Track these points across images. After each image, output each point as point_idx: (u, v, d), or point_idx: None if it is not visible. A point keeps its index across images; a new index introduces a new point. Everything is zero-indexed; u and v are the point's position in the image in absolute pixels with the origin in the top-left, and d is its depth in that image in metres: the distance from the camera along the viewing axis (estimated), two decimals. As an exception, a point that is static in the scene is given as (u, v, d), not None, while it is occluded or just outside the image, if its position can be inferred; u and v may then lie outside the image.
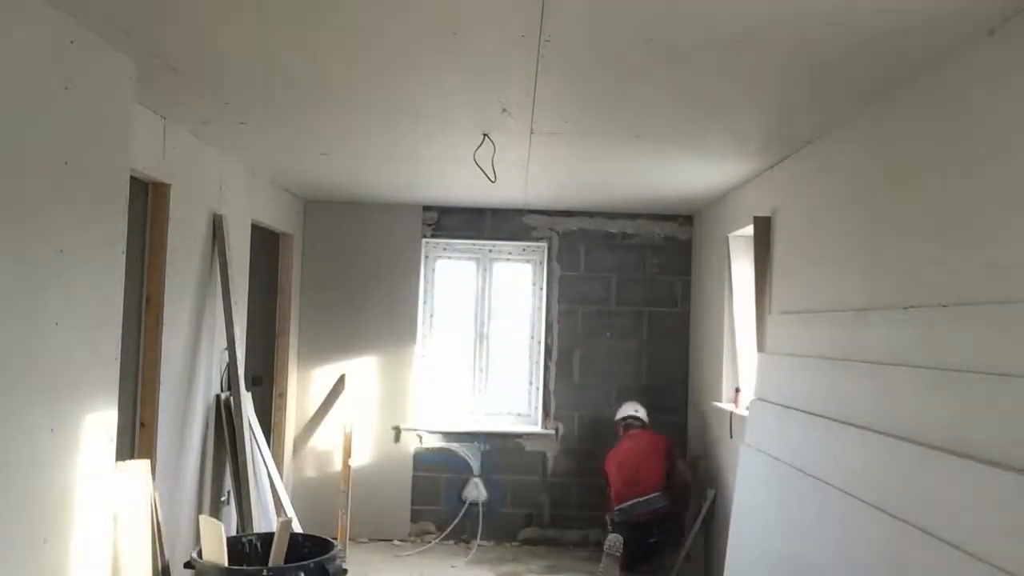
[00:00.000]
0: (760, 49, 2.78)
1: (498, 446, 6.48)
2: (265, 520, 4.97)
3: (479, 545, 6.28)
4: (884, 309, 3.14)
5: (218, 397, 4.81)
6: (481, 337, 6.76)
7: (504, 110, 3.65)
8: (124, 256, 3.17)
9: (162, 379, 4.02)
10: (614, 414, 6.35)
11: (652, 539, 5.53)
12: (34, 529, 2.66)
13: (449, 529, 6.37)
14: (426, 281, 6.70)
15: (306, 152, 4.76)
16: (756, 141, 4.09)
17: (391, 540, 6.34)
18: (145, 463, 3.40)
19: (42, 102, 2.63)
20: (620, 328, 6.55)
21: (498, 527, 6.45)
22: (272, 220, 5.79)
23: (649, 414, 6.40)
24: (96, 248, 2.97)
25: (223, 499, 4.85)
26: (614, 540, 5.44)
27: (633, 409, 6.12)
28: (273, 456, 5.31)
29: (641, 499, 5.56)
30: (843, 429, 3.30)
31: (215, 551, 3.54)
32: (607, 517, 5.87)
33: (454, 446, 6.50)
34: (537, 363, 6.67)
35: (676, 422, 6.40)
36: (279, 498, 5.17)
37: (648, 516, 5.50)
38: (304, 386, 6.49)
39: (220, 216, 4.70)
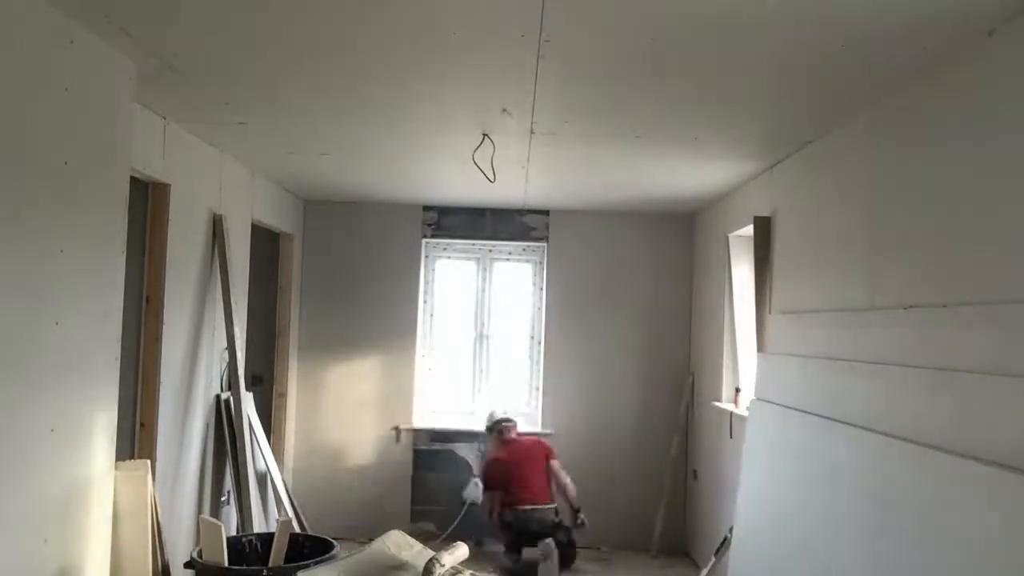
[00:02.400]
0: (760, 49, 2.78)
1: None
2: (265, 520, 4.97)
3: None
4: (884, 309, 3.14)
5: (218, 397, 4.81)
6: (481, 337, 6.76)
7: (504, 110, 3.65)
8: (124, 256, 3.18)
9: (162, 379, 4.02)
10: (609, 414, 6.39)
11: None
12: (34, 529, 2.66)
13: (450, 530, 6.36)
14: (426, 281, 6.70)
15: (306, 152, 4.76)
16: (756, 141, 4.09)
17: (391, 540, 6.34)
18: (145, 463, 3.40)
19: (42, 102, 2.63)
20: (620, 328, 6.55)
21: (498, 527, 6.44)
22: (272, 220, 5.79)
23: (651, 412, 6.43)
24: (96, 248, 2.97)
25: (223, 499, 4.85)
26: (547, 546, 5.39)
27: (502, 412, 6.19)
28: (273, 456, 5.31)
29: (537, 507, 5.74)
30: (843, 429, 3.30)
31: (215, 551, 3.53)
32: (492, 522, 5.95)
33: (454, 446, 6.51)
34: (537, 363, 6.67)
35: (678, 421, 6.40)
36: (279, 498, 5.17)
37: (542, 528, 5.60)
38: (304, 386, 6.49)
39: (220, 216, 4.70)
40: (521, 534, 5.64)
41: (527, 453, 5.97)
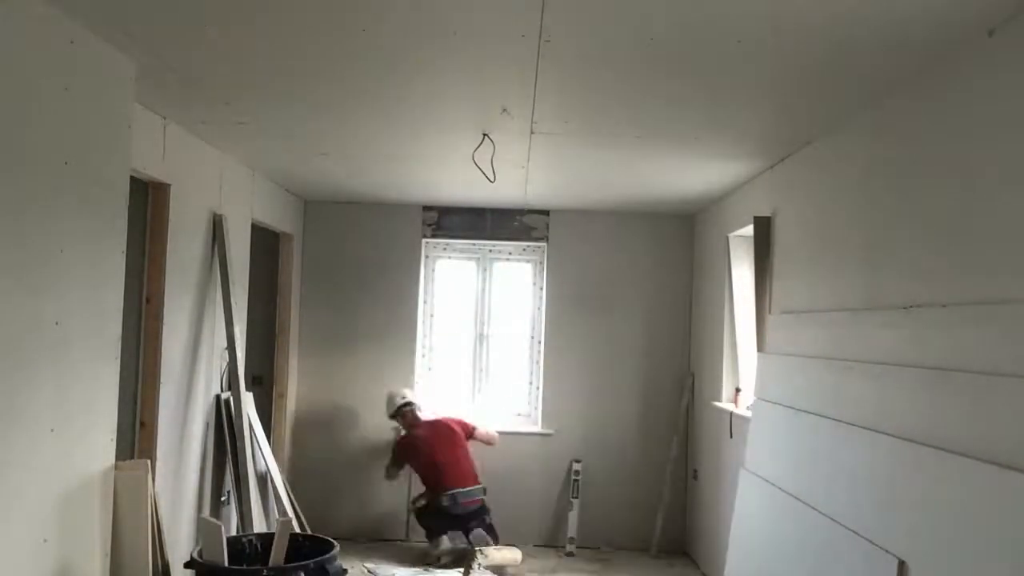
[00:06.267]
0: (760, 49, 2.78)
1: (498, 446, 6.47)
2: (265, 520, 4.97)
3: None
4: (884, 309, 3.14)
5: (218, 397, 4.81)
6: (481, 337, 6.75)
7: (504, 110, 3.65)
8: (124, 256, 3.18)
9: (162, 379, 4.02)
10: (609, 414, 6.40)
11: (474, 529, 5.71)
12: (34, 529, 2.66)
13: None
14: (426, 281, 6.70)
15: (306, 152, 4.76)
16: (756, 141, 4.09)
17: (392, 540, 6.35)
18: (145, 463, 3.40)
19: (42, 102, 2.63)
20: (620, 328, 6.55)
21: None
22: (272, 220, 5.79)
23: (651, 412, 6.44)
24: (96, 248, 2.97)
25: (223, 499, 4.85)
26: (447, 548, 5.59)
27: (402, 396, 6.08)
28: (273, 456, 5.31)
29: (464, 489, 5.71)
30: (843, 429, 3.30)
31: (215, 551, 3.53)
32: (415, 506, 5.96)
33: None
34: (537, 363, 6.67)
35: (678, 421, 6.40)
36: (279, 498, 5.17)
37: (473, 505, 5.70)
38: (304, 385, 6.49)
39: (220, 216, 4.70)
40: (451, 517, 5.67)
41: (447, 434, 5.89)
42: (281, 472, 5.44)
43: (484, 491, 5.84)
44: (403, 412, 6.03)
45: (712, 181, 5.12)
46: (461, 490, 5.71)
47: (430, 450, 5.82)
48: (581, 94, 3.42)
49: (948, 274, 2.71)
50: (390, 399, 6.12)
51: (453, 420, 6.05)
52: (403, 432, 6.08)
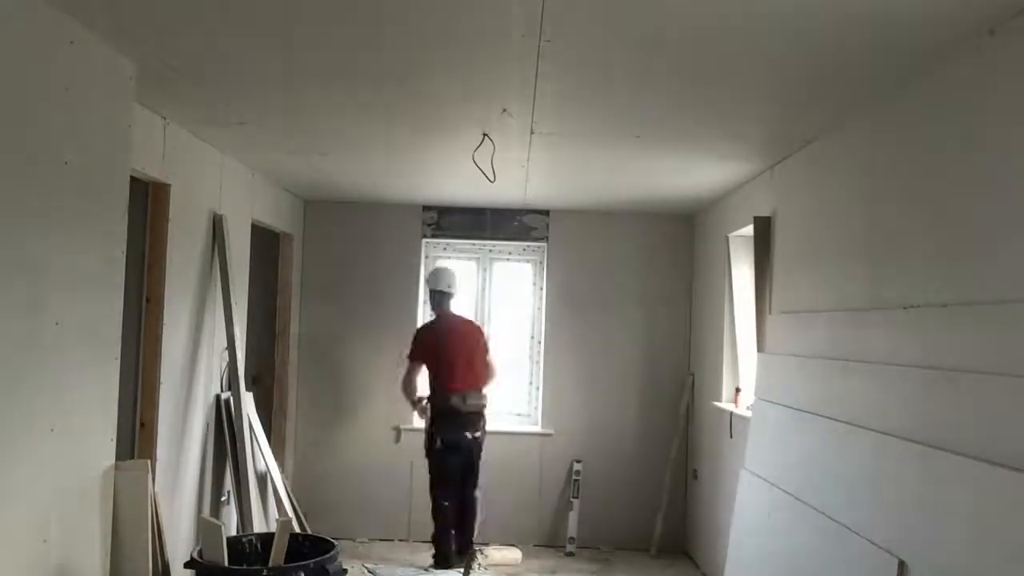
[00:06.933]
0: (760, 49, 2.78)
1: (498, 446, 6.46)
2: (265, 520, 4.97)
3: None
4: (884, 309, 3.14)
5: (218, 397, 4.81)
6: (481, 337, 6.75)
7: (504, 110, 3.65)
8: (124, 256, 3.18)
9: (162, 379, 4.02)
10: (609, 414, 6.41)
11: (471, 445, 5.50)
12: (34, 529, 2.66)
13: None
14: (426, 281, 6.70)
15: (306, 152, 4.76)
16: (756, 141, 4.09)
17: (392, 540, 6.35)
18: (145, 463, 3.40)
19: (42, 102, 2.63)
20: (620, 328, 6.55)
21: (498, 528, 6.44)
22: (272, 220, 5.79)
23: (651, 412, 6.43)
24: (96, 248, 2.97)
25: (223, 499, 4.85)
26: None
27: (447, 281, 5.69)
28: (273, 456, 5.31)
29: (473, 391, 5.49)
30: (843, 429, 3.30)
31: (215, 551, 3.53)
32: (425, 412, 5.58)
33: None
34: (537, 363, 6.67)
35: (678, 421, 6.40)
36: (279, 498, 5.17)
37: (478, 410, 5.50)
38: (304, 386, 6.49)
39: (220, 216, 4.70)
40: (456, 416, 5.44)
41: (470, 332, 5.66)
42: (281, 472, 5.44)
43: (486, 402, 5.59)
44: (438, 297, 5.68)
45: (712, 181, 5.12)
46: (471, 391, 5.49)
47: (453, 345, 5.55)
48: (581, 94, 3.42)
49: (948, 274, 2.71)
50: (435, 271, 5.79)
51: (476, 327, 5.82)
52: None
